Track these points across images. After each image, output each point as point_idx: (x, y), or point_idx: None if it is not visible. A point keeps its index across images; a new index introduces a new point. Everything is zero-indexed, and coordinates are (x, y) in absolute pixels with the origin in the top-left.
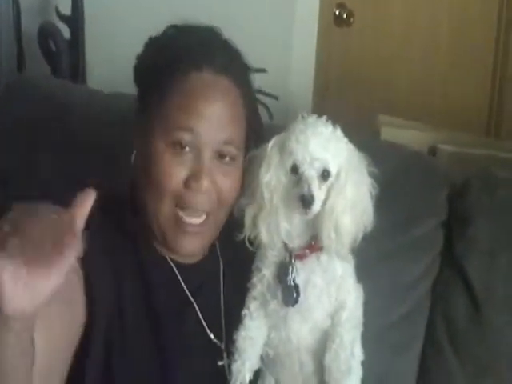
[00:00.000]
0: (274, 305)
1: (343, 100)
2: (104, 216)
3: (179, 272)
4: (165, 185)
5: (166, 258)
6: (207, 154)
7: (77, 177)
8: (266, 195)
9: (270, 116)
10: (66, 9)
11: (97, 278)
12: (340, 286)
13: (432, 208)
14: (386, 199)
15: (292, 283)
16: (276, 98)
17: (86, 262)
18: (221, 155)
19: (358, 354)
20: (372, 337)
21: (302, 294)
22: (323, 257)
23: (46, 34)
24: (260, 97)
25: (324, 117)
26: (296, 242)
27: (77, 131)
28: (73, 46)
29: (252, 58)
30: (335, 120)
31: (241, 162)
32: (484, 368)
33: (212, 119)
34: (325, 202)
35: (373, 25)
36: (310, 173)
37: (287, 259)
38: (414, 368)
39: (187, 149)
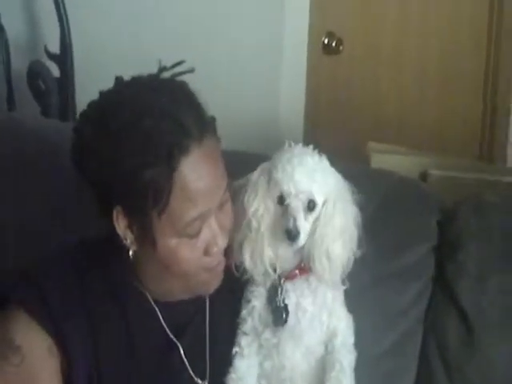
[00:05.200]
0: (266, 334)
1: (334, 127)
2: (78, 257)
3: (160, 311)
4: (187, 270)
5: (146, 297)
6: (213, 216)
7: (66, 219)
8: (254, 224)
9: None
10: (55, 47)
11: (71, 339)
12: (331, 313)
13: (423, 234)
14: (376, 226)
15: (281, 304)
16: None
17: (57, 326)
18: (221, 204)
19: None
20: (364, 365)
21: (292, 317)
22: (312, 278)
23: (35, 73)
24: None
25: (310, 146)
26: (285, 266)
27: (67, 170)
28: (62, 85)
29: (241, 87)
30: (326, 147)
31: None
32: None
33: (212, 186)
34: (313, 231)
35: (362, 52)
36: (296, 204)
37: (276, 281)
38: None
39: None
